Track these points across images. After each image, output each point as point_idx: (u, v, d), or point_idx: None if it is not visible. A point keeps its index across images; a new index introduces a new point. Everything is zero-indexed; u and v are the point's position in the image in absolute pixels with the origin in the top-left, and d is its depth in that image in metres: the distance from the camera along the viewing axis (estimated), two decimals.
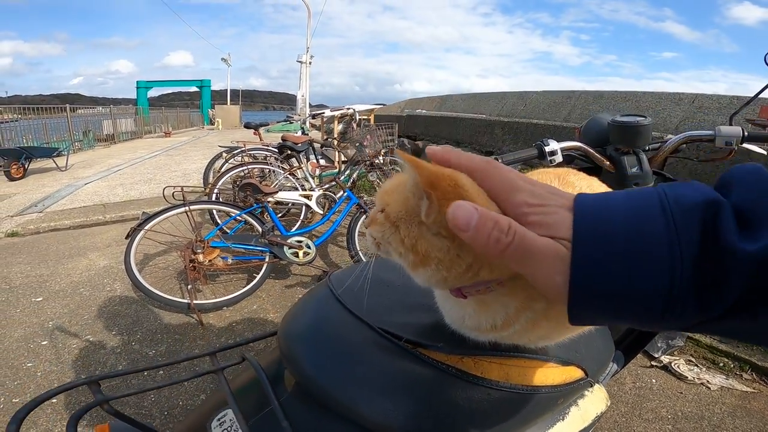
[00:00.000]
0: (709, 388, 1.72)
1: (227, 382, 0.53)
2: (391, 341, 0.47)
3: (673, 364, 1.83)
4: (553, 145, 1.01)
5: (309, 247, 2.38)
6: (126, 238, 2.16)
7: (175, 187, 2.30)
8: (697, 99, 3.65)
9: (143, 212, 2.26)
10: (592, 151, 1.04)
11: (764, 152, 1.05)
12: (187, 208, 2.20)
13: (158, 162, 7.56)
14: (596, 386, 0.68)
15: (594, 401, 0.63)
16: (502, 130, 4.60)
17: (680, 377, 1.78)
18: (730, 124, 1.00)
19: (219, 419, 0.53)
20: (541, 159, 1.02)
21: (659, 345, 1.91)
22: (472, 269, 0.34)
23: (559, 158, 1.02)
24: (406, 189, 0.35)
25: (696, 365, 1.86)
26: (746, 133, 0.97)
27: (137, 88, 22.56)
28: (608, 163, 1.03)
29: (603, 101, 4.51)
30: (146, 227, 2.15)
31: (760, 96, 1.01)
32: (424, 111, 7.12)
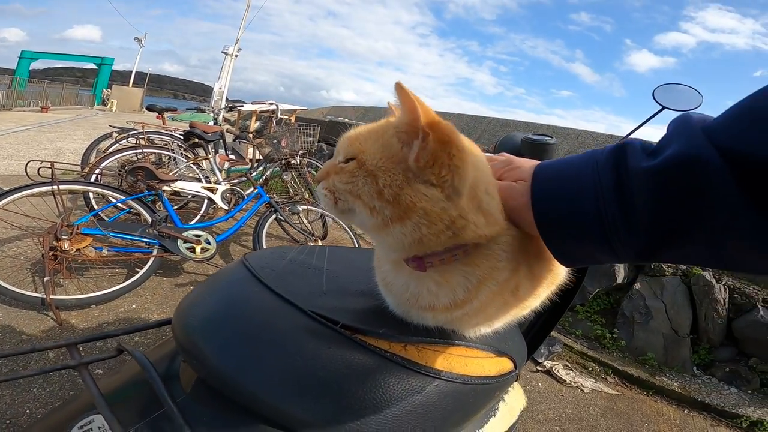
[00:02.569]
0: (583, 391, 1.92)
1: (93, 380, 0.41)
2: (326, 326, 0.40)
3: (554, 369, 2.02)
4: None
5: (209, 243, 2.16)
6: None
7: (42, 161, 1.92)
8: (581, 135, 4.24)
9: None
10: None
11: None
12: (55, 187, 1.83)
13: (26, 137, 6.36)
14: (515, 382, 0.68)
15: (516, 397, 0.63)
16: None
17: (560, 381, 1.96)
18: None
19: (81, 426, 0.41)
20: None
21: (542, 351, 2.10)
22: (454, 225, 0.31)
23: None
24: (387, 133, 0.33)
25: (571, 369, 2.07)
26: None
27: (20, 57, 19.71)
28: None
29: (508, 128, 4.99)
30: None
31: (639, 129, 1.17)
32: (346, 119, 7.13)
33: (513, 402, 0.60)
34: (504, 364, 0.51)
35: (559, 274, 0.44)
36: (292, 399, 0.36)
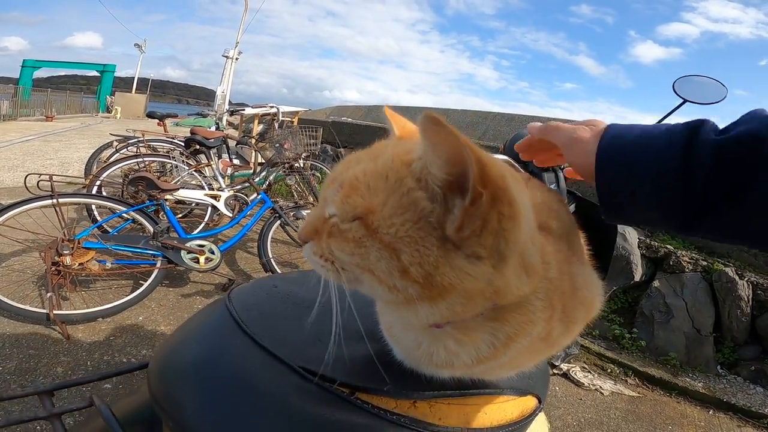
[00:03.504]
0: (603, 394, 1.85)
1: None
2: (319, 386, 0.34)
3: (570, 372, 1.95)
4: None
5: (212, 252, 2.12)
6: None
7: (41, 175, 1.88)
8: None
9: None
10: (516, 165, 1.04)
11: None
12: (54, 200, 1.80)
13: (30, 147, 6.39)
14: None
15: (539, 427, 0.57)
16: None
17: (578, 384, 1.89)
18: None
19: None
20: None
21: (559, 353, 2.03)
22: (495, 296, 0.25)
23: None
24: (404, 183, 0.24)
25: (589, 372, 2.00)
26: None
27: (22, 66, 19.88)
28: None
29: (514, 123, 4.90)
30: None
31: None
32: (350, 119, 7.08)
33: None
34: (528, 404, 0.46)
35: (593, 307, 0.39)
36: None
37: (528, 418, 0.45)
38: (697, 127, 0.34)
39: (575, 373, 1.94)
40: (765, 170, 0.30)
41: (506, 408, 0.42)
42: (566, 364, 2.00)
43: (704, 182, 0.33)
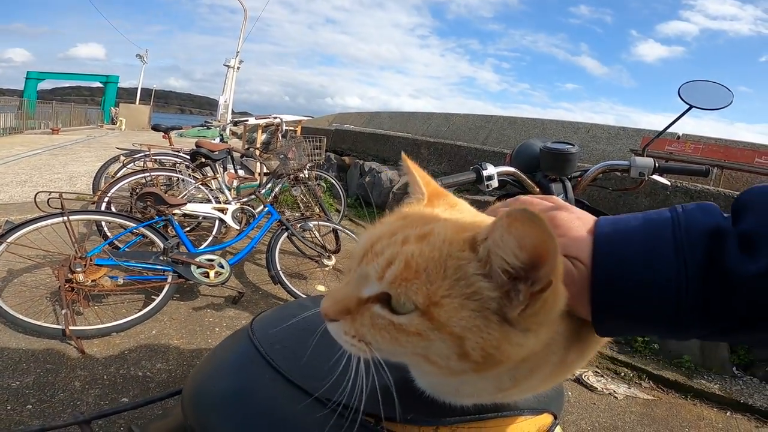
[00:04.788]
0: (617, 398, 1.84)
1: None
2: (346, 417, 0.35)
3: (583, 376, 1.94)
4: (490, 170, 0.99)
5: (222, 267, 2.13)
6: None
7: (51, 192, 1.91)
8: (592, 129, 4.12)
9: (6, 221, 1.84)
10: (524, 176, 1.03)
11: (668, 183, 1.15)
12: (65, 218, 1.82)
13: (38, 161, 6.45)
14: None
15: None
16: (428, 150, 4.73)
17: (591, 388, 1.88)
18: (644, 156, 1.07)
19: None
20: (478, 183, 1.00)
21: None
22: (533, 354, 0.26)
23: (495, 183, 1.00)
24: (469, 269, 0.24)
25: (602, 376, 1.99)
26: (657, 165, 1.04)
27: (26, 78, 19.90)
28: (538, 189, 1.03)
29: (516, 126, 4.90)
30: (8, 239, 1.74)
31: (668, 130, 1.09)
32: (352, 126, 7.11)
33: None
34: (544, 421, 0.47)
35: None
36: None
37: None
38: (719, 246, 0.27)
39: (588, 378, 1.93)
40: None
41: (524, 427, 0.43)
42: (578, 369, 2.00)
43: (736, 319, 0.27)
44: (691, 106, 1.01)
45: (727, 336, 0.28)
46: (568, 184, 1.04)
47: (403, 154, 0.34)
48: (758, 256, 0.25)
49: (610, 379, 1.97)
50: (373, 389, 0.37)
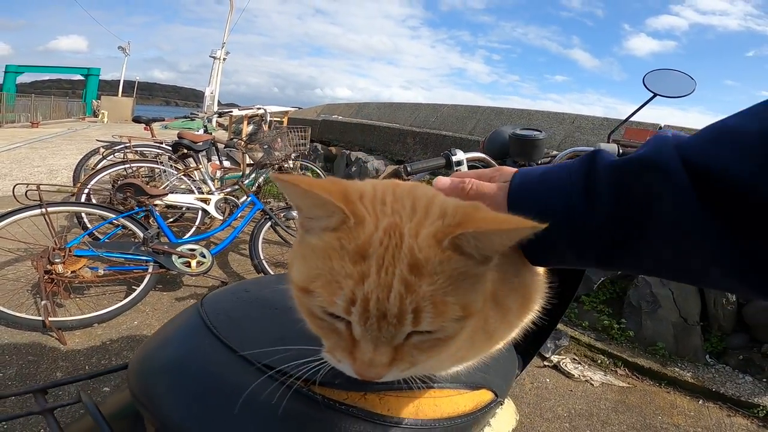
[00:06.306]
0: (593, 385, 1.89)
1: (58, 426, 0.42)
2: (276, 380, 0.38)
3: (561, 363, 1.99)
4: (459, 156, 1.01)
5: (204, 256, 2.12)
6: None
7: (29, 184, 1.88)
8: (577, 119, 4.15)
9: None
10: (493, 162, 1.06)
11: None
12: (43, 210, 1.80)
13: (17, 155, 6.31)
14: (506, 402, 0.65)
15: (505, 418, 0.60)
16: (413, 140, 4.74)
17: (568, 375, 1.93)
18: (608, 142, 1.10)
19: None
20: (448, 168, 1.02)
21: (549, 345, 2.07)
22: None
23: (464, 168, 1.02)
24: (453, 259, 0.28)
25: (579, 363, 2.04)
26: (621, 151, 1.07)
27: (5, 72, 19.76)
28: None
29: (503, 117, 4.92)
30: None
31: (633, 118, 1.12)
32: (340, 117, 7.07)
33: (500, 425, 0.58)
34: (482, 397, 0.49)
35: (530, 298, 0.41)
36: None
37: (481, 410, 0.48)
38: (594, 152, 0.35)
39: (566, 365, 1.98)
40: (658, 196, 0.30)
41: (458, 401, 0.45)
42: (557, 356, 2.05)
43: (608, 207, 0.32)
44: (655, 94, 1.04)
45: (618, 251, 0.33)
46: None
47: (277, 175, 0.28)
48: (625, 156, 0.33)
49: (587, 366, 2.02)
50: (305, 357, 0.39)
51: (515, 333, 0.44)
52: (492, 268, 0.30)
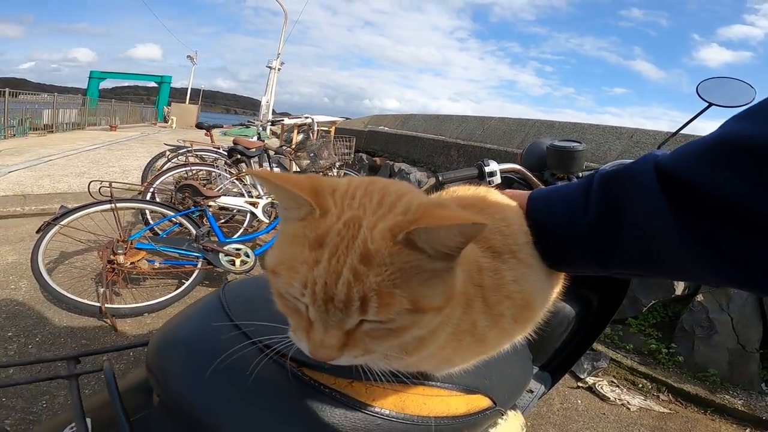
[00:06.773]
0: (629, 409, 1.79)
1: (78, 391, 0.46)
2: (272, 359, 0.41)
3: (596, 385, 1.89)
4: (492, 166, 1.00)
5: (248, 256, 2.26)
6: (37, 232, 1.94)
7: (102, 181, 2.11)
8: (636, 134, 3.91)
9: (61, 206, 2.05)
10: (529, 174, 1.03)
11: None
12: (112, 205, 2.02)
13: (96, 156, 7.02)
14: (512, 413, 0.64)
15: (508, 429, 0.60)
16: (457, 152, 4.71)
17: (603, 398, 1.83)
18: None
19: None
20: (480, 179, 1.01)
21: (585, 366, 1.98)
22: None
23: (497, 179, 1.01)
24: (406, 254, 0.30)
25: (618, 386, 1.93)
26: None
27: (89, 78, 21.62)
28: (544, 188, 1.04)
29: (553, 131, 4.75)
30: (62, 222, 1.95)
31: (685, 130, 1.07)
32: (386, 128, 7.19)
33: None
34: (476, 402, 0.48)
35: (529, 305, 0.41)
36: (228, 426, 0.38)
37: (474, 416, 0.47)
38: (599, 170, 0.41)
39: (601, 387, 1.88)
40: (631, 199, 0.35)
41: (450, 402, 0.45)
42: (593, 378, 1.95)
43: (595, 211, 0.38)
44: (710, 104, 0.98)
45: (609, 252, 0.38)
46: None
47: (251, 171, 0.33)
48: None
49: (625, 390, 1.91)
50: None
51: (514, 341, 0.44)
52: (456, 267, 0.31)
